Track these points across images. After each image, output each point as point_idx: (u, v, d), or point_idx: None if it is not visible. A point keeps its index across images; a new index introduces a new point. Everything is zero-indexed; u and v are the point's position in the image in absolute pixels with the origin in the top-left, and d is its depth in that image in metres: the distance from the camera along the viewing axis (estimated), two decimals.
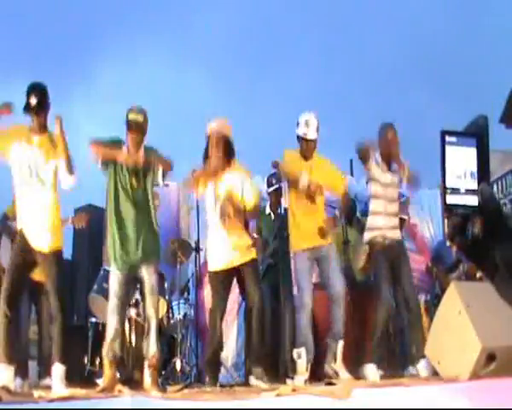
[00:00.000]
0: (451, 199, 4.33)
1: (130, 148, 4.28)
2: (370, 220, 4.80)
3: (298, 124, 4.74)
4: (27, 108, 4.10)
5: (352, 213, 6.34)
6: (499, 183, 7.06)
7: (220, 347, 4.55)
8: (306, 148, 4.75)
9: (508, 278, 3.76)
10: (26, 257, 4.12)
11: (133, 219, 4.21)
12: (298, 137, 4.76)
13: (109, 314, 4.16)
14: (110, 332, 4.12)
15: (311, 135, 4.71)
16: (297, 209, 4.77)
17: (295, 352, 4.58)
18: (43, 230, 4.10)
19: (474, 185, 4.33)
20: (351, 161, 6.02)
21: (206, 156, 4.59)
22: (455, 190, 4.30)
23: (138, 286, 4.71)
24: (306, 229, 4.70)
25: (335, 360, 4.54)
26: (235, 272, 4.55)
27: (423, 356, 4.34)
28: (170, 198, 7.62)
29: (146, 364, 4.10)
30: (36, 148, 4.15)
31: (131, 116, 4.28)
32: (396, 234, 4.80)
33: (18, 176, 4.15)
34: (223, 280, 4.52)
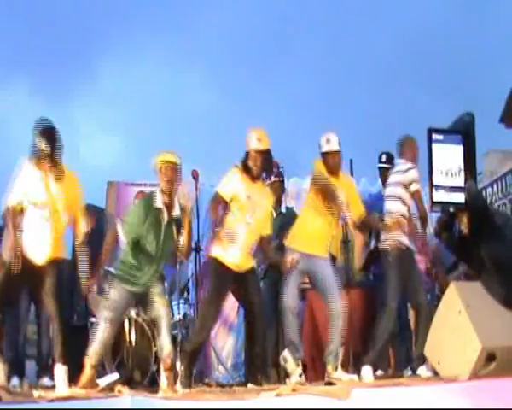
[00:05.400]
0: (438, 196, 4.32)
1: (166, 190, 4.15)
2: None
3: (320, 146, 4.68)
4: (38, 153, 3.96)
5: None
6: (499, 183, 7.01)
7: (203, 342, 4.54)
8: (333, 162, 4.67)
9: (494, 274, 3.76)
10: (23, 268, 3.99)
11: (154, 255, 4.25)
12: (323, 155, 4.67)
13: (103, 322, 4.12)
14: (100, 338, 4.10)
15: (334, 147, 4.66)
16: (314, 210, 4.65)
17: (281, 358, 4.52)
18: (45, 243, 4.07)
19: (460, 182, 4.33)
20: (350, 160, 5.99)
21: (245, 168, 4.48)
22: (442, 188, 4.29)
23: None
24: (311, 232, 4.60)
25: (336, 368, 4.48)
26: (238, 278, 4.44)
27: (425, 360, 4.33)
28: None
29: (162, 366, 4.10)
30: (54, 187, 4.04)
31: (165, 157, 4.12)
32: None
33: (32, 203, 4.03)
34: (228, 283, 4.43)
